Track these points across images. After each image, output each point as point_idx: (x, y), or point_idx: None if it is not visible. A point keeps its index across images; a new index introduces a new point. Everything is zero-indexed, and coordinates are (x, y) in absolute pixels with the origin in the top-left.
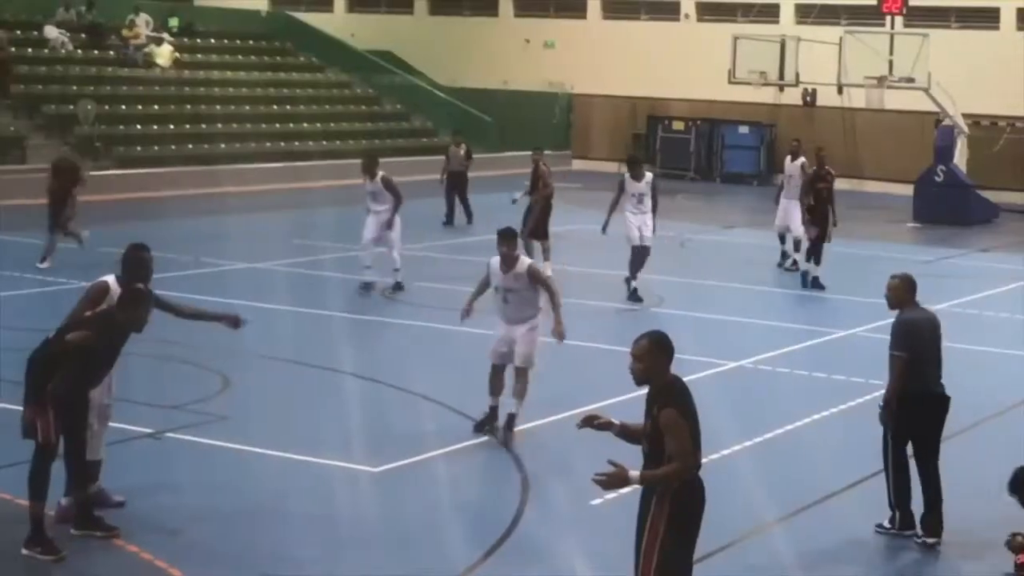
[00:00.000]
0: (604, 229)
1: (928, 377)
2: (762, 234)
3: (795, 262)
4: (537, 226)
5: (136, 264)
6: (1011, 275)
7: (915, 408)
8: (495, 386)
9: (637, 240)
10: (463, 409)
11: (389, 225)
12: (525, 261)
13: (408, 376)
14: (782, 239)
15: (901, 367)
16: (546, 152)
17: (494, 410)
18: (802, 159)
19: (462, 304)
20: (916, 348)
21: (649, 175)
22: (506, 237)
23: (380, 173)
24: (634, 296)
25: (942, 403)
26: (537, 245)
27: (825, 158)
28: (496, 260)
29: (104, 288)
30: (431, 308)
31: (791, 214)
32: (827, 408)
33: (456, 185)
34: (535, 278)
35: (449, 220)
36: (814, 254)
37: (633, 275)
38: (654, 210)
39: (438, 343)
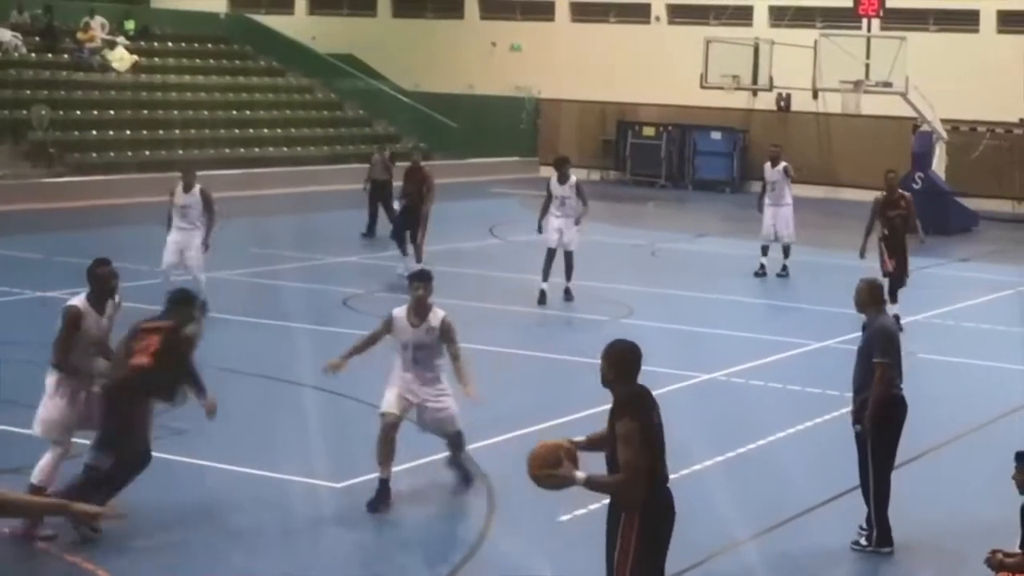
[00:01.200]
0: (540, 230)
1: (898, 382)
2: (735, 243)
3: (784, 267)
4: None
5: (98, 280)
6: (991, 285)
7: (891, 414)
8: (388, 451)
9: (554, 243)
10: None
11: (206, 246)
12: (439, 313)
13: (371, 389)
14: (764, 250)
15: (887, 373)
16: (513, 159)
17: (385, 484)
18: (784, 163)
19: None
20: (895, 354)
21: (574, 179)
22: (423, 279)
23: (198, 186)
24: (543, 300)
25: (905, 407)
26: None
27: (894, 179)
28: (401, 312)
29: (76, 313)
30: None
31: (780, 219)
32: (802, 421)
33: (379, 194)
34: (447, 335)
35: (370, 231)
36: (891, 292)
37: (545, 277)
38: (580, 217)
39: None
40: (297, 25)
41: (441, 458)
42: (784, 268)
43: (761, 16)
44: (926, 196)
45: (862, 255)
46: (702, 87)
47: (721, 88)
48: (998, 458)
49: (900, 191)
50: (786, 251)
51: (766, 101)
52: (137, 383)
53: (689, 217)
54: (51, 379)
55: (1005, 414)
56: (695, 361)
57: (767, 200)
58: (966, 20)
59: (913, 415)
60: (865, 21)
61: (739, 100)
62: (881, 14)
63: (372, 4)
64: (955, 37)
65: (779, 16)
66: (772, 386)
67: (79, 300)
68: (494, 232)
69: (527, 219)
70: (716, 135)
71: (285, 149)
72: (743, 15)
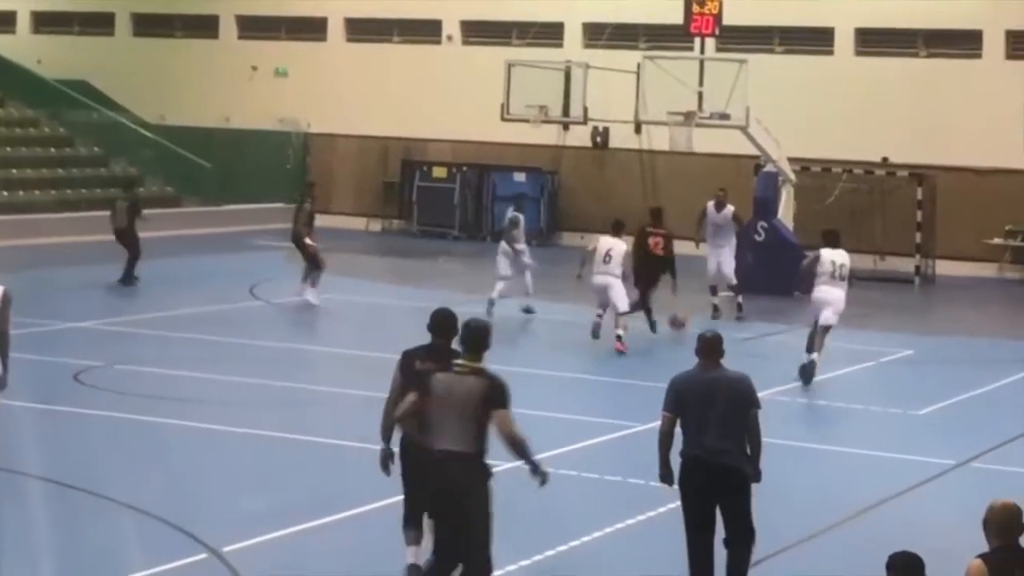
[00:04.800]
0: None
1: (692, 438)
2: (544, 305)
3: (739, 306)
4: None
5: None
6: (849, 356)
7: (683, 475)
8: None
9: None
10: (173, 519)
11: None
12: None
13: (106, 479)
14: (713, 290)
15: (661, 427)
16: (278, 205)
17: None
18: (731, 208)
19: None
20: (674, 405)
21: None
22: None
23: None
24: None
25: (701, 470)
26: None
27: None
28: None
29: None
30: (135, 396)
31: (724, 258)
32: (622, 519)
33: (125, 244)
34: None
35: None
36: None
37: None
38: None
39: (142, 438)
40: (19, 46)
41: (192, 561)
42: (740, 307)
43: (574, 35)
44: (770, 249)
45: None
46: (503, 119)
47: (526, 121)
48: (860, 561)
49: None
50: (735, 290)
51: (580, 136)
52: None
53: (487, 276)
54: None
55: (864, 510)
56: (493, 447)
57: (711, 242)
58: (818, 40)
59: (762, 508)
60: (698, 41)
61: (547, 135)
62: (717, 32)
63: (109, 21)
64: (805, 60)
65: (595, 35)
66: (587, 476)
67: None
68: (255, 292)
69: (294, 276)
70: (520, 177)
71: (4, 193)
72: (552, 33)
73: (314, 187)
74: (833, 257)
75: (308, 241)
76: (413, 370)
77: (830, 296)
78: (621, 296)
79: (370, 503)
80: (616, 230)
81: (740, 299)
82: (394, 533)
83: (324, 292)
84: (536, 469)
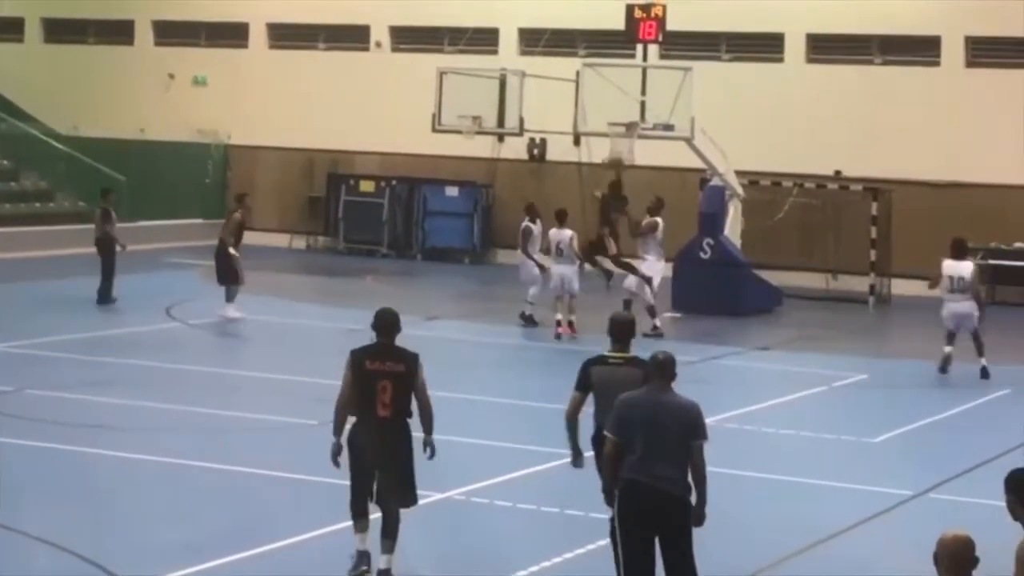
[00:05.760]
0: None
1: (632, 461)
2: (476, 327)
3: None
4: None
5: None
6: (798, 380)
7: (620, 499)
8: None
9: None
10: (88, 552)
11: None
12: None
13: (15, 511)
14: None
15: (607, 450)
16: (196, 221)
17: None
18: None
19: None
20: (616, 428)
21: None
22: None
23: None
24: None
25: (637, 496)
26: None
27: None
28: None
29: None
30: (46, 423)
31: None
32: (559, 552)
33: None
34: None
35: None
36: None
37: None
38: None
39: (53, 467)
40: None
41: None
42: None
43: (509, 41)
44: (716, 268)
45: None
46: (435, 130)
47: (459, 132)
48: None
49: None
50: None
51: (515, 148)
52: None
53: (418, 295)
54: None
55: (816, 543)
56: (426, 476)
57: (643, 251)
58: (767, 46)
59: (710, 541)
60: (640, 48)
61: (482, 147)
62: (660, 39)
63: (18, 27)
64: (754, 68)
65: (532, 41)
66: (523, 508)
67: None
68: (172, 313)
69: (214, 297)
70: (452, 191)
71: None
72: (486, 40)
73: (246, 197)
74: (950, 271)
75: (231, 251)
76: (363, 369)
77: (947, 310)
78: (575, 283)
79: (295, 535)
80: (560, 219)
81: (656, 323)
82: (319, 566)
83: (246, 313)
84: None
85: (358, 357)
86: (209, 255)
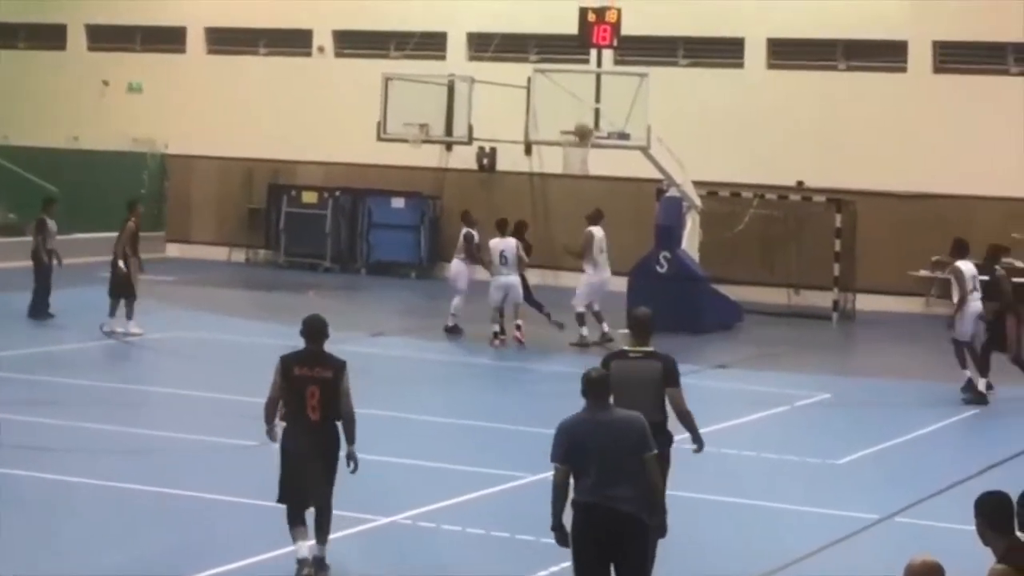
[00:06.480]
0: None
1: (586, 484)
2: (423, 344)
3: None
4: None
5: None
6: (759, 399)
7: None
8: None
9: None
10: None
11: None
12: None
13: None
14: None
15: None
16: None
17: None
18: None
19: None
20: (561, 453)
21: None
22: None
23: None
24: None
25: (587, 520)
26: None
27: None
28: None
29: None
30: None
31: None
32: None
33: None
34: None
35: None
36: None
37: None
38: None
39: None
40: None
41: None
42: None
43: (458, 46)
44: (673, 283)
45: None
46: (380, 139)
47: (405, 141)
48: None
49: None
50: (598, 317)
51: (464, 158)
52: None
53: (362, 311)
54: None
55: (779, 569)
56: (370, 500)
57: (588, 265)
58: (727, 51)
59: (668, 567)
60: (594, 53)
61: (429, 157)
62: (615, 43)
63: None
64: (713, 74)
65: (481, 46)
66: (472, 532)
67: None
68: (105, 330)
69: (149, 313)
70: (398, 203)
71: None
72: (434, 44)
73: (137, 204)
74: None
75: (121, 264)
76: (292, 375)
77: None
78: (519, 291)
79: (237, 560)
80: (501, 229)
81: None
82: None
83: (182, 330)
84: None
85: (287, 363)
86: (147, 269)
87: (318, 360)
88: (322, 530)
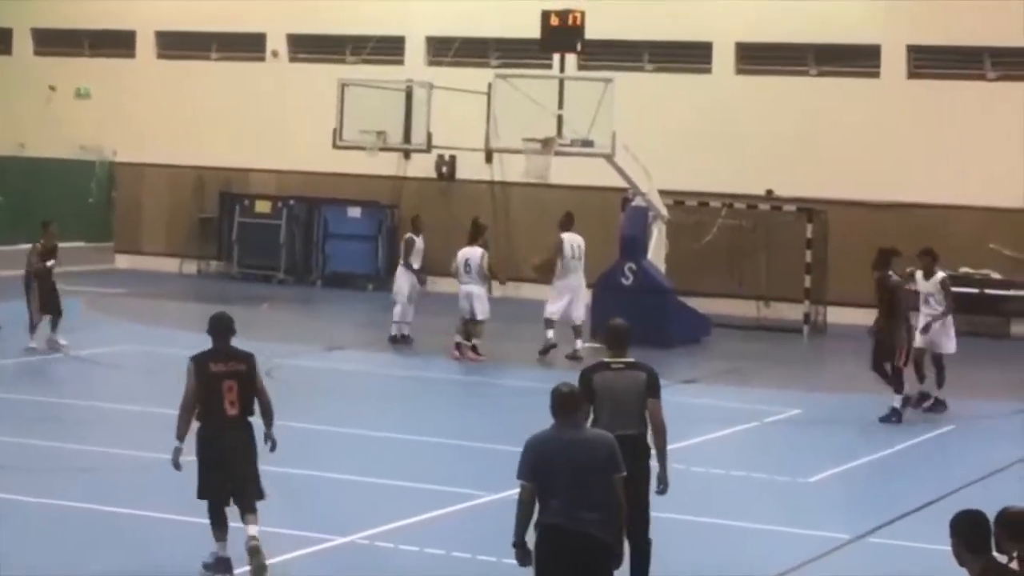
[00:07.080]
0: None
1: (553, 506)
2: (380, 357)
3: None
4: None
5: None
6: (727, 416)
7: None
8: None
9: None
10: None
11: None
12: None
13: None
14: (549, 323)
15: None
16: (78, 244)
17: None
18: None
19: None
20: (527, 472)
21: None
22: None
23: None
24: None
25: (554, 540)
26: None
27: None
28: None
29: None
30: None
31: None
32: None
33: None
34: None
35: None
36: None
37: None
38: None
39: None
40: None
41: None
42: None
43: (416, 50)
44: (639, 295)
45: None
46: (336, 147)
47: (361, 148)
48: None
49: None
50: (577, 331)
51: (423, 166)
52: None
53: (317, 324)
54: None
55: None
56: (326, 519)
57: (557, 279)
58: (694, 56)
59: None
60: (557, 58)
61: (386, 165)
62: (579, 48)
63: None
64: (680, 79)
65: (440, 50)
66: (431, 552)
67: None
68: (50, 343)
69: (97, 326)
70: (355, 212)
71: None
72: (391, 48)
73: (50, 224)
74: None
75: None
76: (208, 372)
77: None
78: (483, 305)
79: None
80: (470, 238)
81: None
82: None
83: (130, 343)
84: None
85: (200, 361)
86: (95, 281)
87: (231, 355)
88: (250, 511)
